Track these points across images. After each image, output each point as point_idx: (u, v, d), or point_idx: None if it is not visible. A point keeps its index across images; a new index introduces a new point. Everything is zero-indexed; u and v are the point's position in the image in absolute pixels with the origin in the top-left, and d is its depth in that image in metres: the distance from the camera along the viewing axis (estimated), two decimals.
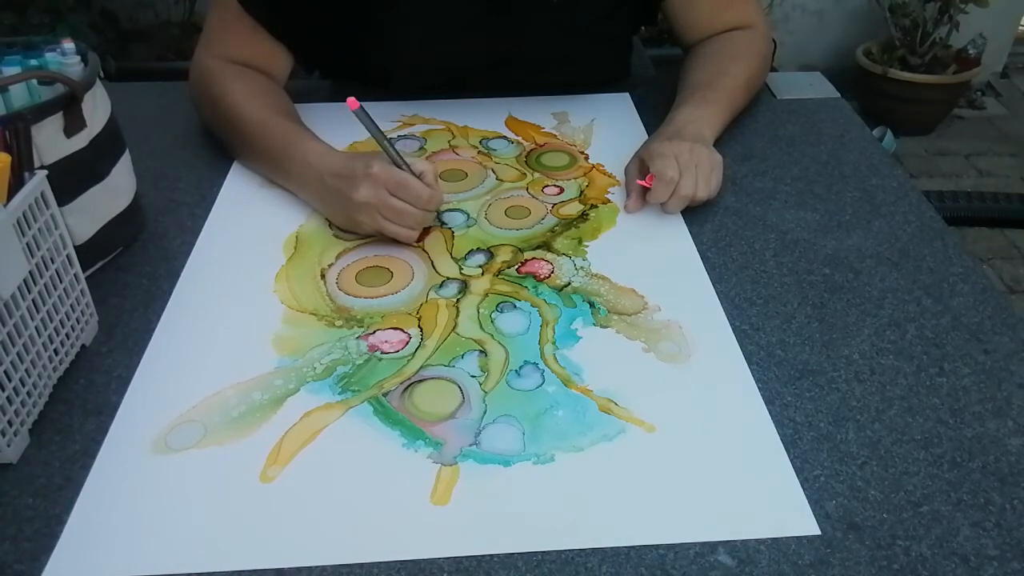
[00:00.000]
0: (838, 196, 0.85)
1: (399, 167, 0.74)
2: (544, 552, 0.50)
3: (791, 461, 0.56)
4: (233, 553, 0.50)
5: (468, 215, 0.82)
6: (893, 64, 2.60)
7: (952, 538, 0.51)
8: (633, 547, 0.50)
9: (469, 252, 0.77)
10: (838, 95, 1.06)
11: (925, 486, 0.54)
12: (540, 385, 0.62)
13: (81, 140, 0.68)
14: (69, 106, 0.66)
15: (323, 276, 0.73)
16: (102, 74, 0.72)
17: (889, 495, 0.54)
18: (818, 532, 0.51)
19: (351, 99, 0.72)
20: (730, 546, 0.50)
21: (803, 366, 0.64)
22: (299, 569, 0.49)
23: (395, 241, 0.77)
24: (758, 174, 0.89)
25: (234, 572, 0.49)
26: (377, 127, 0.74)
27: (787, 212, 0.82)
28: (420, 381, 0.62)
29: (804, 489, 0.54)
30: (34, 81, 0.68)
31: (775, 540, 0.51)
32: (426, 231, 0.79)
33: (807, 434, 0.58)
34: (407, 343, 0.66)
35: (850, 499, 0.54)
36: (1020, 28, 2.92)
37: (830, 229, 0.80)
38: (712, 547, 0.50)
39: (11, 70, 0.69)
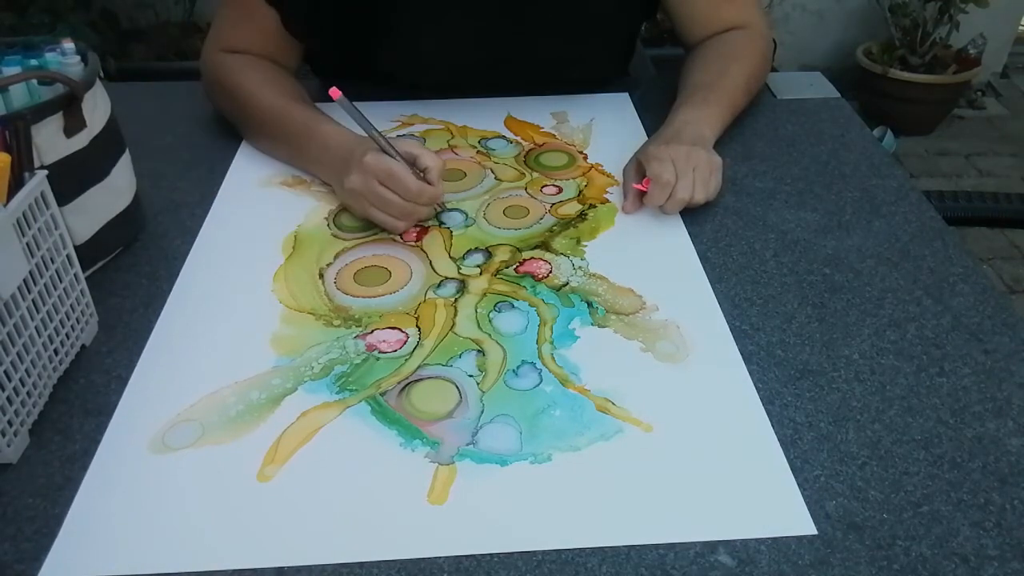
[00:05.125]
0: (838, 196, 0.85)
1: (389, 155, 0.75)
2: (543, 552, 0.50)
3: (791, 461, 0.56)
4: (231, 552, 0.50)
5: (467, 215, 0.82)
6: (893, 64, 2.60)
7: (952, 538, 0.51)
8: (633, 547, 0.50)
9: (467, 252, 0.77)
10: (838, 95, 1.06)
11: (925, 486, 0.54)
12: (537, 385, 0.62)
13: (81, 140, 0.68)
14: (69, 106, 0.66)
15: (321, 276, 0.73)
16: (102, 74, 0.72)
17: (889, 495, 0.54)
18: (815, 532, 0.51)
19: (333, 89, 0.74)
20: (730, 546, 0.50)
21: (803, 366, 0.64)
22: (298, 568, 0.49)
23: (394, 239, 0.77)
24: (758, 174, 0.89)
25: (232, 571, 0.49)
26: (363, 115, 0.76)
27: (787, 212, 0.82)
28: (418, 380, 0.62)
29: (804, 489, 0.54)
30: (34, 81, 0.68)
31: (775, 540, 0.51)
32: (424, 230, 0.79)
33: (807, 434, 0.58)
34: (405, 342, 0.66)
35: (850, 499, 0.53)
36: (1020, 28, 2.92)
37: (830, 229, 0.80)
38: (712, 547, 0.50)
39: (11, 70, 0.69)
